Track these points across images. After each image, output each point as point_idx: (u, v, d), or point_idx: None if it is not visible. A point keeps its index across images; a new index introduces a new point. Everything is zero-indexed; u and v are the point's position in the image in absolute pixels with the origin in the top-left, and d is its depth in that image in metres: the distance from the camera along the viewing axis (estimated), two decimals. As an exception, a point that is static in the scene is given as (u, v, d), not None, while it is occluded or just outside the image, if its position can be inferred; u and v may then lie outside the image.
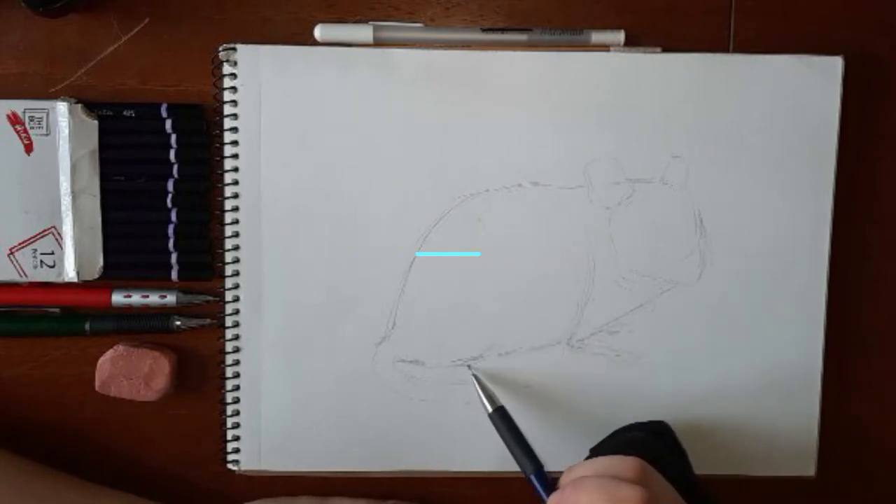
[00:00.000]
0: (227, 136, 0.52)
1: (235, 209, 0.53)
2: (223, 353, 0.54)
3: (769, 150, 0.53)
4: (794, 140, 0.53)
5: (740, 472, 0.56)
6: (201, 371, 0.55)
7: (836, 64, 0.53)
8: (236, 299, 0.54)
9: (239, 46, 0.52)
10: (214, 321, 0.54)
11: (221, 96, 0.52)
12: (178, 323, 0.54)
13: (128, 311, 0.54)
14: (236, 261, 0.53)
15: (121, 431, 0.56)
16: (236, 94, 0.52)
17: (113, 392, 0.53)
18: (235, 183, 0.53)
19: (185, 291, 0.54)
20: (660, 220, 0.53)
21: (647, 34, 0.53)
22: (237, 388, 0.54)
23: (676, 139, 0.53)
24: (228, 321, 0.54)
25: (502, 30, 0.52)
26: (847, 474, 0.58)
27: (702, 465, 0.55)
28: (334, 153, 0.53)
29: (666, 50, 0.53)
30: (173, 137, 0.53)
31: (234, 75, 0.52)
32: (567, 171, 0.53)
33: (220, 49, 0.52)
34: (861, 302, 0.56)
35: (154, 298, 0.54)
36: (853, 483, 0.58)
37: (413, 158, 0.53)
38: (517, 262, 0.54)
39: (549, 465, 0.55)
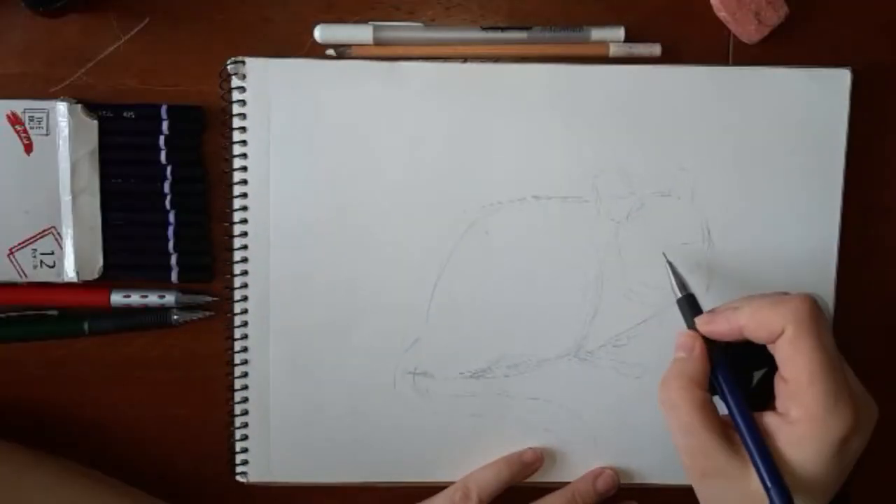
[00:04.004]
0: (236, 149, 0.52)
1: (244, 221, 0.53)
2: (231, 364, 0.54)
3: (777, 163, 0.53)
4: (801, 153, 0.53)
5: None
6: (202, 371, 0.55)
7: (844, 77, 0.52)
8: (244, 311, 0.53)
9: (248, 60, 0.52)
10: (212, 313, 0.54)
11: (230, 109, 0.52)
12: (176, 317, 0.54)
13: (127, 311, 0.54)
14: (244, 273, 0.53)
15: (121, 432, 0.56)
16: (245, 108, 0.52)
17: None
18: (244, 196, 0.53)
19: (184, 292, 0.54)
20: (668, 233, 0.53)
21: (647, 34, 0.53)
22: (245, 399, 0.54)
23: (684, 152, 0.53)
24: (237, 333, 0.54)
25: (502, 28, 0.52)
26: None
27: None
28: (343, 166, 0.52)
29: (665, 48, 0.52)
30: (173, 139, 0.53)
31: (242, 88, 0.52)
32: (575, 183, 0.53)
33: (229, 62, 0.52)
34: (868, 316, 0.56)
35: (153, 298, 0.53)
36: (855, 496, 0.57)
37: (422, 171, 0.53)
38: (525, 275, 0.53)
39: (559, 477, 0.56)
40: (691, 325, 0.48)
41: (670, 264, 0.51)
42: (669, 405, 0.46)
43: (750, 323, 0.45)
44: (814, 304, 0.44)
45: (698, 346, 0.46)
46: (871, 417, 0.45)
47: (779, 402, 0.45)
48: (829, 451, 0.43)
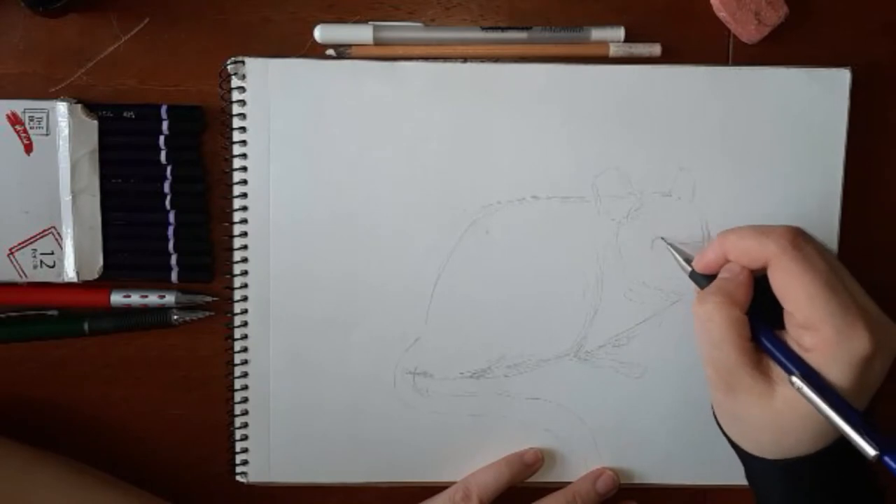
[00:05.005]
0: (236, 149, 0.52)
1: (244, 221, 0.53)
2: (231, 364, 0.54)
3: (776, 161, 0.53)
4: (801, 152, 0.53)
5: (746, 483, 0.55)
6: (202, 371, 0.55)
7: (843, 76, 0.52)
8: (244, 311, 0.53)
9: (247, 59, 0.52)
10: (212, 313, 0.54)
11: (230, 109, 0.52)
12: (176, 317, 0.54)
13: (127, 311, 0.54)
14: (244, 273, 0.53)
15: (121, 432, 0.56)
16: (245, 108, 0.52)
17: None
18: (244, 196, 0.53)
19: (184, 292, 0.54)
20: (668, 233, 0.53)
21: (647, 34, 0.53)
22: (245, 399, 0.54)
23: (684, 151, 0.53)
24: (237, 333, 0.54)
25: (502, 29, 0.52)
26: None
27: (708, 477, 0.56)
28: (343, 166, 0.52)
29: (665, 48, 0.52)
30: (173, 139, 0.53)
31: (242, 88, 0.52)
32: (575, 183, 0.53)
33: (229, 62, 0.52)
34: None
35: (153, 298, 0.53)
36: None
37: (422, 171, 0.53)
38: (525, 275, 0.53)
39: (559, 477, 0.56)
40: None
41: (671, 246, 0.52)
42: (704, 317, 0.46)
43: (733, 249, 0.47)
44: (797, 231, 0.45)
45: (744, 273, 0.46)
46: (893, 338, 0.45)
47: (792, 337, 0.45)
48: (851, 371, 0.43)
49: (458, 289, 0.53)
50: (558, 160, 0.53)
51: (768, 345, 0.45)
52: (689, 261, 0.51)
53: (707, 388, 0.54)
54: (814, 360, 0.44)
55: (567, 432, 0.55)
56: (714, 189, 0.53)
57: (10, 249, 0.52)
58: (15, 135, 0.52)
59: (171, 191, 0.53)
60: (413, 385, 0.54)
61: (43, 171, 0.52)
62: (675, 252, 0.52)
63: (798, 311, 0.44)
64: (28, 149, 0.52)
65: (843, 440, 0.43)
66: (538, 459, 0.55)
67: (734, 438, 0.48)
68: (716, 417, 0.49)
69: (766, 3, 0.52)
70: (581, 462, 0.55)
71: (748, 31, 0.52)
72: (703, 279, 0.49)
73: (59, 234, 0.52)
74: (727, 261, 0.48)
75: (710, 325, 0.45)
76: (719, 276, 0.48)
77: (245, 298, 0.53)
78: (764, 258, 0.45)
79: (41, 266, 0.53)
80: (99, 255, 0.53)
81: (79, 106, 0.52)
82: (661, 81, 0.52)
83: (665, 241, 0.52)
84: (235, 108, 0.52)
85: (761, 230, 0.46)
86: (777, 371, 0.45)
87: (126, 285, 0.54)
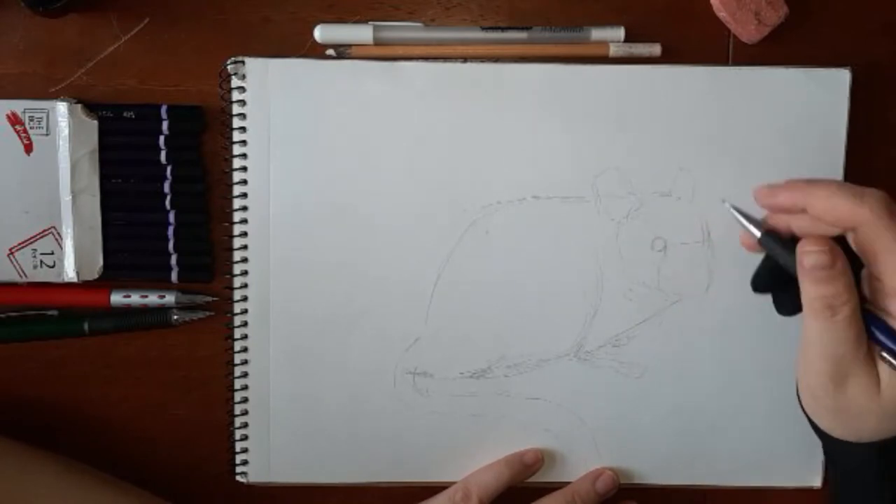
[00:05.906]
0: (236, 149, 0.52)
1: (244, 221, 0.53)
2: (231, 364, 0.54)
3: (777, 163, 0.53)
4: (801, 153, 0.53)
5: (747, 484, 0.56)
6: (202, 371, 0.55)
7: (843, 77, 0.52)
8: (244, 311, 0.53)
9: (247, 60, 0.52)
10: (212, 313, 0.54)
11: (230, 109, 0.52)
12: (176, 317, 0.54)
13: (127, 311, 0.54)
14: (244, 273, 0.53)
15: (121, 432, 0.56)
16: (245, 108, 0.52)
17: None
18: (244, 196, 0.53)
19: (184, 292, 0.54)
20: (668, 233, 0.53)
21: (647, 34, 0.53)
22: (245, 399, 0.54)
23: (684, 152, 0.53)
24: (237, 333, 0.54)
25: (502, 29, 0.52)
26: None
27: (708, 477, 0.56)
28: (344, 166, 0.52)
29: (665, 48, 0.52)
30: (173, 139, 0.53)
31: (242, 88, 0.52)
32: (575, 183, 0.53)
33: (229, 62, 0.52)
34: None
35: (153, 298, 0.53)
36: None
37: (421, 171, 0.53)
38: (525, 275, 0.53)
39: (559, 477, 0.56)
40: (786, 262, 0.45)
41: (735, 208, 0.47)
42: (830, 301, 0.43)
43: (818, 204, 0.44)
44: (889, 197, 0.43)
45: (840, 261, 0.43)
46: None
47: (877, 301, 0.44)
48: None
49: (458, 289, 0.53)
50: (558, 160, 0.53)
51: (878, 327, 0.44)
52: (757, 223, 0.47)
53: (708, 387, 0.54)
54: None
55: (567, 432, 0.55)
56: (714, 189, 0.53)
57: (10, 249, 0.52)
58: (15, 135, 0.52)
59: (171, 191, 0.53)
60: (413, 385, 0.54)
61: (43, 171, 0.52)
62: (741, 216, 0.47)
63: (892, 279, 0.42)
64: (28, 149, 0.52)
65: None
66: (538, 459, 0.55)
67: (829, 429, 0.46)
68: (805, 412, 0.47)
69: (766, 3, 0.52)
70: (581, 462, 0.55)
71: (748, 31, 0.52)
72: (775, 244, 0.46)
73: (59, 234, 0.53)
74: (799, 209, 0.45)
75: (836, 310, 0.43)
76: (813, 275, 0.44)
77: (245, 298, 0.53)
78: (854, 221, 0.43)
79: (41, 266, 0.53)
80: (99, 255, 0.53)
81: (79, 106, 0.52)
82: (661, 81, 0.52)
83: (729, 204, 0.47)
84: (235, 108, 0.52)
85: (855, 190, 0.43)
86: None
87: (126, 285, 0.54)
